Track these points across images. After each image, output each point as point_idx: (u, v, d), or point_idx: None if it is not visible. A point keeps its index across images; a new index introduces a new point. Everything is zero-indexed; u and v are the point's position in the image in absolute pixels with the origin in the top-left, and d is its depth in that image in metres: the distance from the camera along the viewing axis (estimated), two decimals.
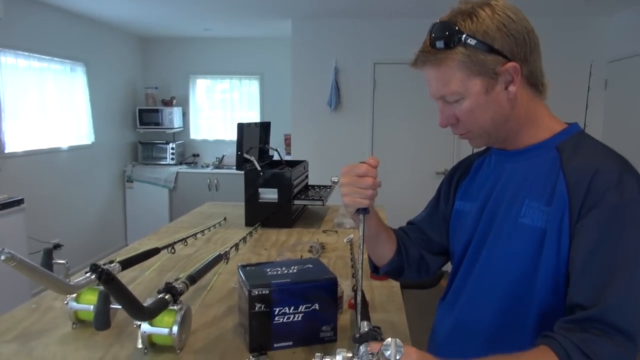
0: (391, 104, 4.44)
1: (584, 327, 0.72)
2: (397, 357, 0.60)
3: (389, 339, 0.61)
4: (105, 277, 0.76)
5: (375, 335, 0.85)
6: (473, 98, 0.84)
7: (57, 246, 4.09)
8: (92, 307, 1.12)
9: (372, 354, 0.75)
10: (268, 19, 4.52)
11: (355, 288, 1.23)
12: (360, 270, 1.00)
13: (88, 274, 1.00)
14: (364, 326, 0.90)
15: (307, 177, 2.70)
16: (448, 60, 0.83)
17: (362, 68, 4.41)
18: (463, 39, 0.81)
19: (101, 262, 1.21)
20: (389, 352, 0.60)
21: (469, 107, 0.85)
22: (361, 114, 4.46)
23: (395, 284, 1.48)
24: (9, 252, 0.86)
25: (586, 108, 3.90)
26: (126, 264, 1.30)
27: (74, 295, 1.16)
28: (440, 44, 0.82)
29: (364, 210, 0.95)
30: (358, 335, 0.86)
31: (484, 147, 1.02)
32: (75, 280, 1.15)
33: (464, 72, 0.83)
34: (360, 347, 0.82)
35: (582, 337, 0.71)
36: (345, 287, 1.36)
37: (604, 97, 4.06)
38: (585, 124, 3.87)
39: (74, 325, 1.16)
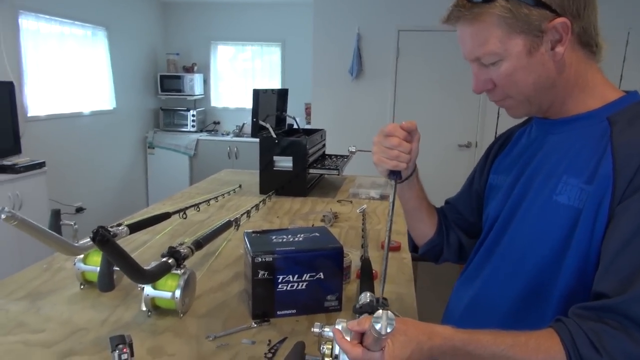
0: (415, 73, 4.30)
1: (599, 316, 0.64)
2: (388, 330, 0.57)
3: (380, 311, 0.58)
4: (100, 239, 0.75)
5: (375, 306, 0.82)
6: (513, 60, 0.74)
7: (79, 209, 4.19)
8: (98, 268, 1.13)
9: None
10: None
11: (362, 258, 1.20)
12: (388, 237, 0.96)
13: None
14: (366, 297, 0.87)
15: (324, 145, 2.66)
16: (486, 15, 0.72)
17: (386, 35, 4.27)
18: None
19: (111, 225, 1.21)
20: (379, 325, 0.57)
21: (508, 70, 0.75)
22: (383, 83, 4.35)
23: (406, 256, 1.45)
24: (10, 211, 0.86)
25: (620, 79, 3.70)
26: (135, 227, 1.29)
27: (82, 256, 1.17)
28: None
29: (394, 175, 0.91)
30: (358, 305, 0.83)
31: (524, 118, 0.92)
32: (82, 242, 1.16)
33: (503, 29, 0.72)
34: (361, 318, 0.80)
35: (594, 327, 0.63)
36: (354, 257, 1.33)
37: None
38: None
39: (82, 286, 1.17)
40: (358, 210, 1.91)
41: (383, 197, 2.15)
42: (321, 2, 4.32)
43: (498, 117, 3.44)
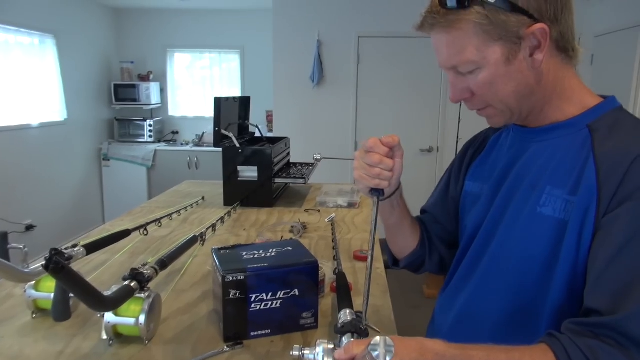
0: (376, 79, 4.33)
1: (595, 333, 0.62)
2: (388, 359, 0.53)
3: (377, 337, 0.54)
4: (54, 267, 0.67)
5: (357, 325, 0.78)
6: (492, 68, 0.71)
7: (30, 227, 3.96)
8: (52, 295, 1.04)
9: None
10: None
11: (336, 271, 1.16)
12: (371, 259, 0.92)
13: None
14: (347, 315, 0.83)
15: (288, 154, 2.61)
16: (462, 22, 0.69)
17: (346, 41, 4.28)
18: None
19: (66, 246, 1.12)
20: (377, 353, 0.53)
21: (486, 79, 0.72)
22: (345, 89, 4.35)
23: (379, 266, 1.42)
24: None
25: None
26: (92, 247, 1.20)
27: (33, 282, 1.07)
28: (452, 2, 0.69)
29: (377, 192, 0.85)
30: (340, 325, 0.79)
31: (503, 125, 0.89)
32: (33, 267, 1.07)
33: (480, 37, 0.69)
34: (343, 339, 0.76)
35: (590, 343, 0.61)
36: (327, 269, 1.29)
37: (591, 72, 4.02)
38: None
39: (34, 315, 1.07)
40: (327, 220, 1.87)
41: (351, 205, 2.12)
42: (280, 9, 4.29)
43: (459, 122, 3.50)
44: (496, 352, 0.64)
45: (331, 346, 0.72)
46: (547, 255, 0.73)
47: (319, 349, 0.72)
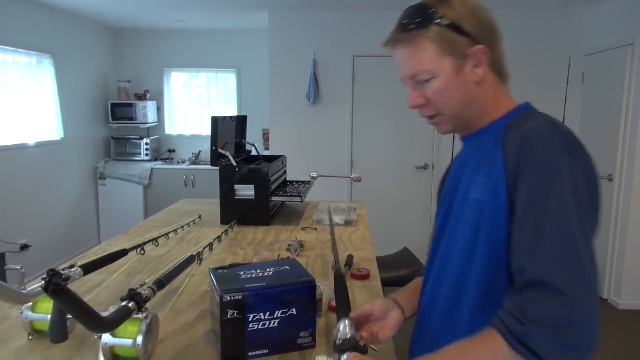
0: (371, 98, 4.38)
1: (521, 292, 0.71)
2: None
3: None
4: (54, 289, 0.67)
5: (357, 342, 0.78)
6: (444, 77, 0.86)
7: (24, 247, 3.93)
8: (49, 316, 1.03)
9: None
10: (244, 10, 4.39)
11: (335, 269, 1.16)
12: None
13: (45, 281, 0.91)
14: (346, 328, 0.83)
15: (285, 172, 2.62)
16: (422, 38, 0.85)
17: (342, 61, 4.33)
18: (436, 19, 0.84)
19: (63, 266, 1.12)
20: None
21: (440, 86, 0.87)
22: (341, 108, 4.39)
23: (376, 284, 1.42)
24: None
25: (565, 101, 3.90)
26: (90, 268, 1.20)
27: (30, 304, 1.07)
28: (412, 25, 0.86)
29: None
30: (339, 342, 0.80)
31: (450, 133, 1.02)
32: (30, 288, 1.07)
33: (436, 50, 0.85)
34: (343, 357, 0.76)
35: (516, 302, 0.70)
36: (324, 288, 1.29)
37: (581, 90, 4.07)
38: (564, 117, 3.88)
39: (30, 337, 1.07)
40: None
41: (348, 223, 2.13)
42: (276, 29, 4.35)
43: (454, 140, 3.53)
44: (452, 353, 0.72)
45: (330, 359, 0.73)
46: (470, 232, 0.84)
47: None
